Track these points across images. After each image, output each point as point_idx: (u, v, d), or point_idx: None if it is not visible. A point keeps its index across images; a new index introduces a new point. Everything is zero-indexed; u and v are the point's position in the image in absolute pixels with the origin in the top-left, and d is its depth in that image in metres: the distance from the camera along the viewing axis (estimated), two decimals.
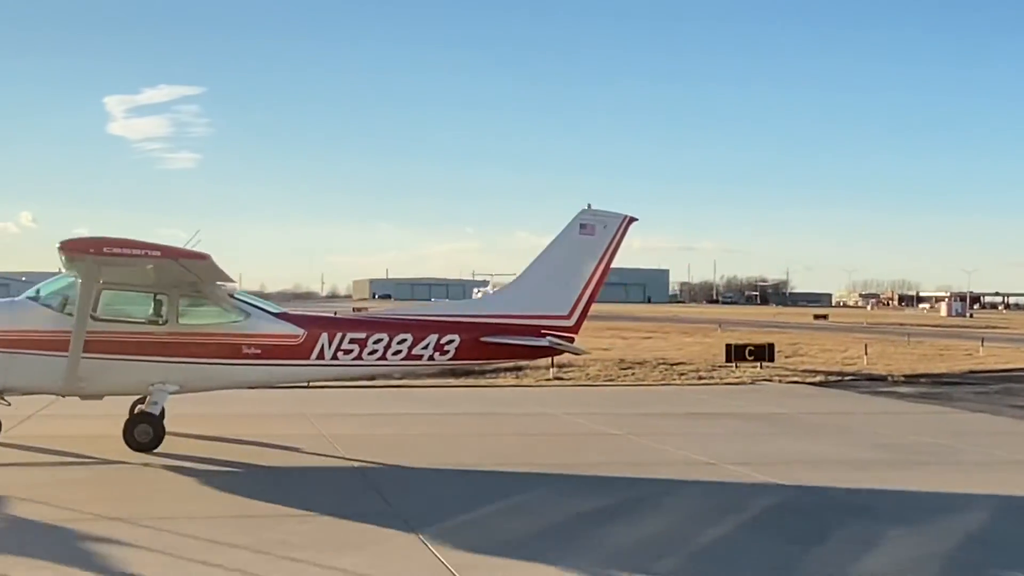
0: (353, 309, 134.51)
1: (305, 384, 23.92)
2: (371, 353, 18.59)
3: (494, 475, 16.03)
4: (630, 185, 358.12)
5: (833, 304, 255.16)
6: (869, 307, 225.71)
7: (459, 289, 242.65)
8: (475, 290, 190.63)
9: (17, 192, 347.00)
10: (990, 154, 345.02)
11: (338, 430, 20.81)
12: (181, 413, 22.88)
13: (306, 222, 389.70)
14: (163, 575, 10.07)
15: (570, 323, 20.10)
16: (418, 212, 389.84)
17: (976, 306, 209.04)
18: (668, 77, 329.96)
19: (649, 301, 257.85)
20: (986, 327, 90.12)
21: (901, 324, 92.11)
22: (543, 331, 19.65)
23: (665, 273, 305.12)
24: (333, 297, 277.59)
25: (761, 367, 37.52)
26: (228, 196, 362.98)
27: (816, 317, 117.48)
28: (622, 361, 39.30)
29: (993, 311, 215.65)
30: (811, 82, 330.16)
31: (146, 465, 16.52)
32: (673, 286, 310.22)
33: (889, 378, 36.20)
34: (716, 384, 33.76)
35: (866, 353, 43.31)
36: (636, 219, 20.62)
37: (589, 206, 20.21)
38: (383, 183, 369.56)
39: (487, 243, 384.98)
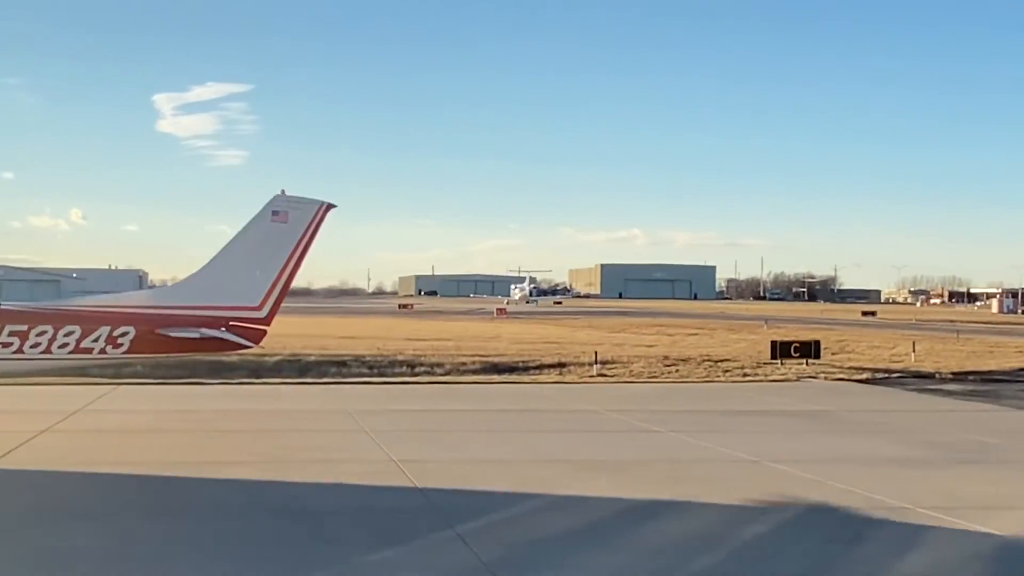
0: (399, 306, 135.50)
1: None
2: (33, 346, 17.21)
3: (533, 471, 16.01)
4: (675, 181, 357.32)
5: (882, 301, 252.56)
6: (919, 304, 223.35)
7: (504, 286, 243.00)
8: (512, 287, 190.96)
9: (67, 190, 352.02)
10: None
11: (377, 425, 20.88)
12: (227, 408, 23.13)
13: (352, 219, 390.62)
14: (208, 571, 10.15)
15: (262, 314, 18.76)
16: (462, 209, 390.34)
17: None
18: (712, 73, 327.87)
19: (695, 298, 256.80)
20: None
21: (951, 321, 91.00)
22: (232, 323, 18.41)
23: (711, 270, 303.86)
24: (379, 294, 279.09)
25: (807, 364, 37.21)
26: (274, 193, 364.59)
27: (864, 314, 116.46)
28: (666, 358, 39.13)
29: None
30: (858, 77, 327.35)
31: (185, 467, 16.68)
32: (720, 283, 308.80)
33: (937, 375, 35.76)
34: (761, 381, 33.53)
35: (914, 350, 42.83)
36: (335, 205, 19.49)
37: (283, 192, 19.06)
38: (428, 180, 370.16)
39: (531, 240, 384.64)
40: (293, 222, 18.94)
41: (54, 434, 19.33)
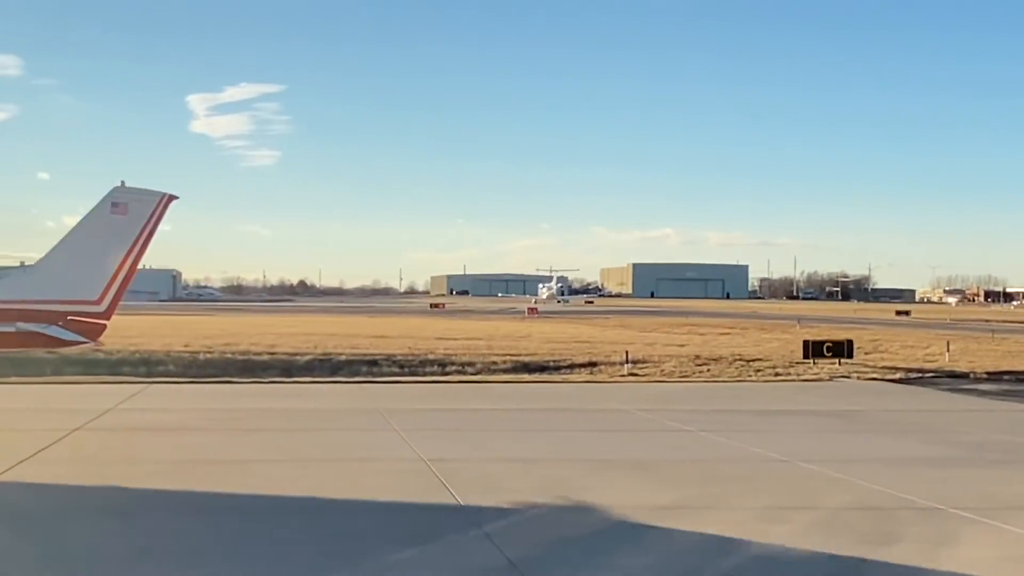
0: (431, 305, 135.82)
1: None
2: None
3: (562, 470, 15.98)
4: (707, 182, 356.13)
5: (916, 300, 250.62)
6: (954, 303, 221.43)
7: (536, 286, 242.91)
8: (540, 286, 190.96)
9: (101, 190, 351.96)
10: None
11: (407, 423, 20.90)
12: (258, 407, 23.26)
13: (384, 219, 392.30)
14: (233, 566, 10.18)
15: (100, 308, 17.94)
16: (494, 209, 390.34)
17: None
18: (744, 76, 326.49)
19: (728, 297, 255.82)
20: None
21: (986, 321, 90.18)
22: (71, 317, 17.62)
23: (744, 269, 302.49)
24: (411, 293, 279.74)
25: (839, 364, 36.99)
26: (307, 193, 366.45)
27: (898, 313, 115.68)
28: (697, 357, 38.99)
29: None
30: (891, 79, 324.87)
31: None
32: (753, 282, 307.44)
33: (971, 375, 35.47)
34: (793, 381, 33.38)
35: (948, 350, 42.48)
36: (176, 197, 18.45)
37: (123, 183, 18.11)
38: (460, 180, 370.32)
39: (563, 239, 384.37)
40: (133, 214, 18.02)
41: (87, 432, 19.47)
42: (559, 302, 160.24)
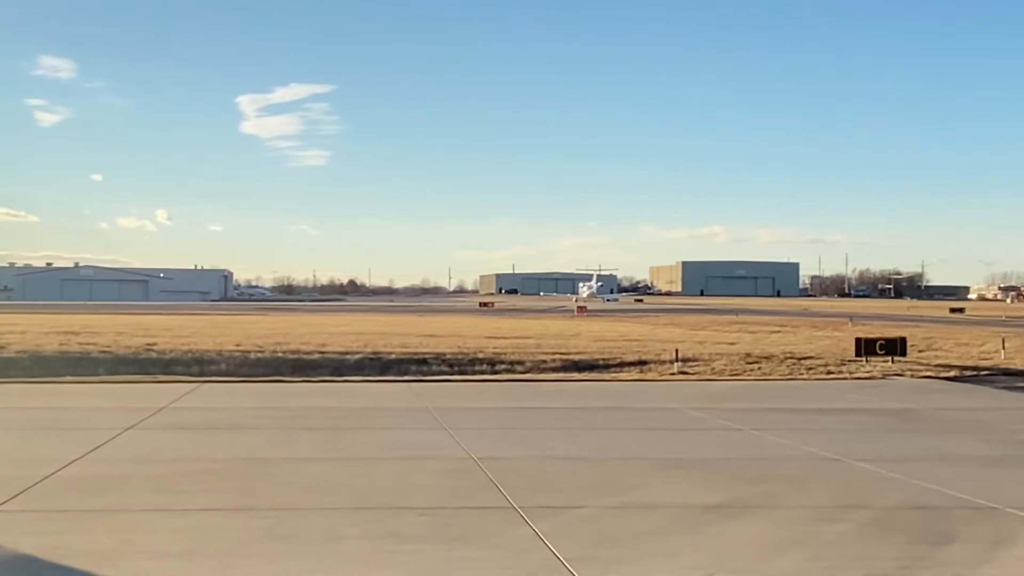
0: (480, 304, 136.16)
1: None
2: None
3: (612, 468, 15.92)
4: (756, 178, 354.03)
5: (970, 297, 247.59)
6: (1009, 300, 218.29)
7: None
8: (580, 285, 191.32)
9: (153, 191, 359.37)
10: None
11: (460, 422, 20.92)
12: (309, 406, 23.43)
13: (433, 218, 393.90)
14: (283, 564, 10.23)
15: None
16: (542, 207, 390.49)
17: None
18: (794, 73, 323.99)
19: (779, 295, 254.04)
20: None
21: None
22: None
23: (795, 266, 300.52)
24: (460, 292, 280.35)
25: (892, 361, 36.64)
26: (357, 192, 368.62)
27: (952, 311, 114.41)
28: (748, 355, 38.73)
29: None
30: (942, 73, 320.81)
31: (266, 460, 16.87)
32: (803, 279, 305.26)
33: None
34: (845, 379, 33.08)
35: (1004, 347, 41.92)
36: None
37: None
38: (509, 179, 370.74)
39: (612, 238, 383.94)
40: None
41: (139, 431, 19.66)
42: (606, 300, 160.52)
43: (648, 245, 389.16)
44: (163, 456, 16.84)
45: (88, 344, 37.86)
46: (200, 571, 9.96)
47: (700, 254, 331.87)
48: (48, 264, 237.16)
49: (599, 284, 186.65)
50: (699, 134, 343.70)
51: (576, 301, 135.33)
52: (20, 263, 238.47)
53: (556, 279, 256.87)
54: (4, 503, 12.84)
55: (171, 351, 35.95)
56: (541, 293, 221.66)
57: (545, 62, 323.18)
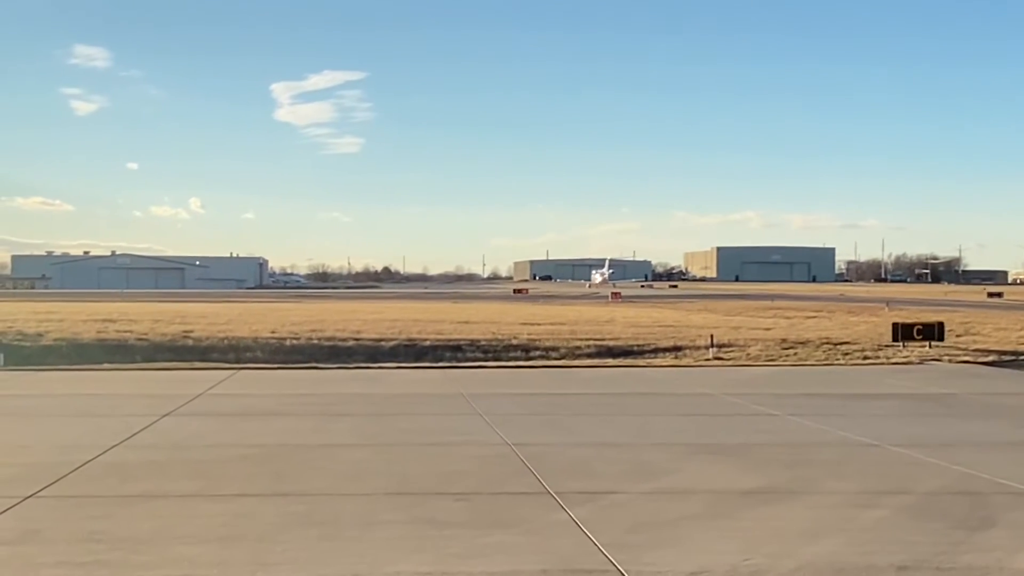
0: (514, 291, 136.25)
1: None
2: None
3: (648, 454, 15.87)
4: (790, 163, 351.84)
5: (1009, 282, 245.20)
6: None
7: (620, 270, 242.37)
8: (593, 271, 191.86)
9: (187, 179, 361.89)
10: None
11: (495, 409, 20.94)
12: (344, 392, 23.52)
13: (467, 205, 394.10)
14: (319, 549, 10.27)
15: None
16: (575, 194, 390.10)
17: None
18: (828, 55, 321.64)
19: (814, 280, 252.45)
20: None
21: None
22: None
23: (831, 252, 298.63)
24: (494, 279, 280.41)
25: (930, 347, 36.35)
26: (391, 179, 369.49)
27: (990, 295, 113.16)
28: (784, 341, 38.52)
29: None
30: (974, 54, 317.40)
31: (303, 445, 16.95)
32: (839, 265, 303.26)
33: None
34: (882, 364, 32.85)
35: None
36: None
37: None
38: (541, 165, 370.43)
39: (645, 224, 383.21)
40: None
41: (176, 417, 19.79)
42: (643, 286, 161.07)
43: (682, 231, 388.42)
44: (200, 442, 16.94)
45: (125, 332, 38.12)
46: (237, 556, 10.00)
47: (734, 239, 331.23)
48: (85, 253, 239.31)
49: (611, 271, 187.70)
50: (728, 118, 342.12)
51: (589, 287, 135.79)
52: (57, 252, 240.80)
53: (590, 265, 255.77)
54: (44, 489, 12.97)
55: (207, 338, 36.13)
56: (555, 280, 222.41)
57: (578, 47, 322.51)
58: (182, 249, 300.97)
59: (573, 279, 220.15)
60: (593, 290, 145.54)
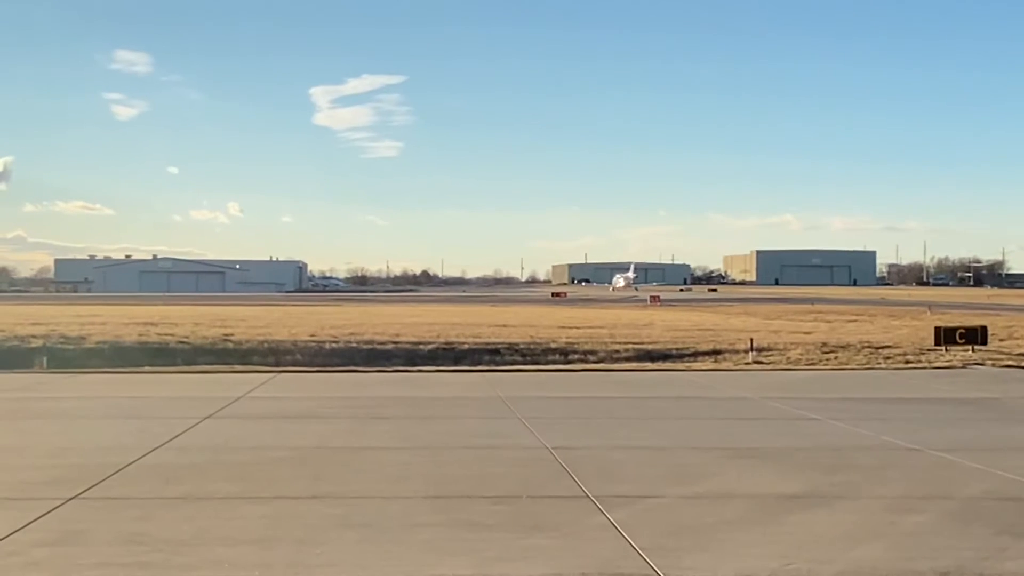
0: (552, 294, 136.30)
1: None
2: None
3: (686, 458, 15.80)
4: (829, 166, 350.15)
5: None
6: None
7: (658, 273, 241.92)
8: (616, 275, 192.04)
9: (227, 183, 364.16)
10: None
11: (533, 412, 20.91)
12: (383, 395, 23.58)
13: (505, 208, 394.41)
14: (358, 551, 10.29)
15: None
16: (612, 197, 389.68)
17: None
18: (870, 57, 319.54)
19: (855, 284, 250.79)
20: None
21: None
22: None
23: (871, 255, 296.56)
24: (533, 282, 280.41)
25: (973, 351, 35.98)
26: (429, 183, 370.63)
27: None
28: (824, 345, 38.28)
29: None
30: (1014, 58, 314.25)
31: (344, 448, 17.01)
32: (880, 268, 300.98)
33: None
34: (924, 368, 32.55)
35: None
36: None
37: None
38: (579, 168, 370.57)
39: (684, 227, 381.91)
40: None
41: (217, 420, 19.92)
42: (636, 289, 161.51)
43: (720, 234, 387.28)
44: (240, 445, 17.04)
45: (166, 335, 38.46)
46: (277, 558, 10.04)
47: (773, 243, 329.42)
48: (127, 256, 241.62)
49: (634, 275, 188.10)
50: (767, 121, 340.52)
51: (612, 290, 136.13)
52: (99, 255, 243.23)
53: (628, 268, 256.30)
54: (87, 490, 13.08)
55: (247, 341, 36.39)
56: (578, 282, 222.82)
57: (613, 48, 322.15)
58: (222, 253, 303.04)
59: (610, 283, 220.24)
60: (617, 294, 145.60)
